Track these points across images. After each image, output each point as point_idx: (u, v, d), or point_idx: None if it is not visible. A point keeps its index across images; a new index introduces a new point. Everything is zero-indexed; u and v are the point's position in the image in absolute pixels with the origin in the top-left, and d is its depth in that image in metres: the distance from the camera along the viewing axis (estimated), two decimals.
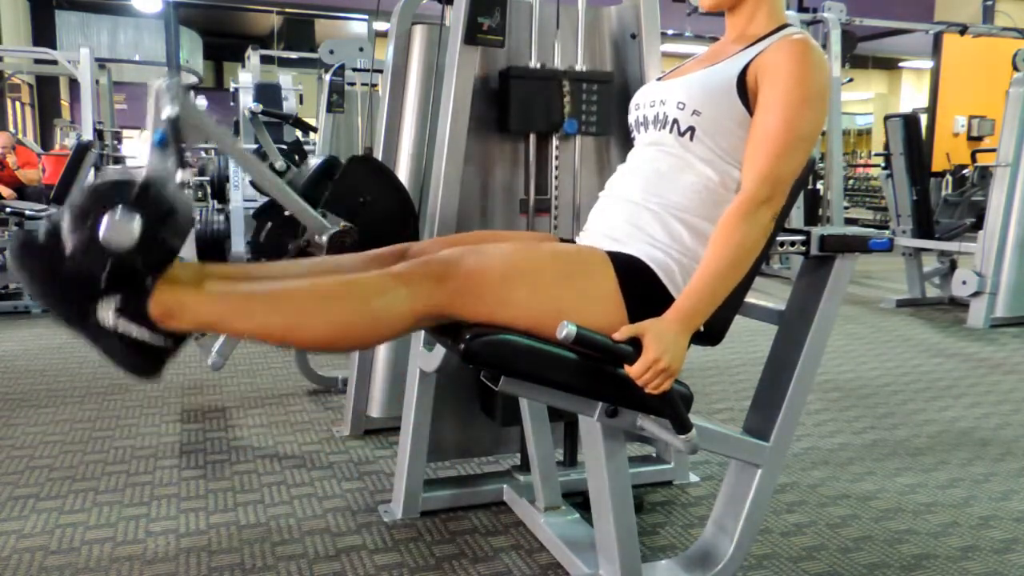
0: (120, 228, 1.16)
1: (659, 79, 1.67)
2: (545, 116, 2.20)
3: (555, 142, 2.25)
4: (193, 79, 19.16)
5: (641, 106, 1.61)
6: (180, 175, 1.66)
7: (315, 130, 5.32)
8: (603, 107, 2.24)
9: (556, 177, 2.28)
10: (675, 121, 1.49)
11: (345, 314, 1.31)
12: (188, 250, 6.44)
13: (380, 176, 2.28)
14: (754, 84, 1.44)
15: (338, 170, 2.74)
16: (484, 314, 1.35)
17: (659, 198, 1.49)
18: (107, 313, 1.24)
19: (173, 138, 1.70)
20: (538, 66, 2.21)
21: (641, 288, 1.43)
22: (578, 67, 2.25)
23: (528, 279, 1.38)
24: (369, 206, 2.25)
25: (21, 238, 1.23)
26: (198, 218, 6.21)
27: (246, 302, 1.31)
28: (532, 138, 2.24)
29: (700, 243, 1.45)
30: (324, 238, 2.32)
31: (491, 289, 1.35)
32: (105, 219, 1.16)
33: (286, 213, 2.47)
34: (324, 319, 1.31)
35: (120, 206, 1.17)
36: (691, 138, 1.47)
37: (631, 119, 1.64)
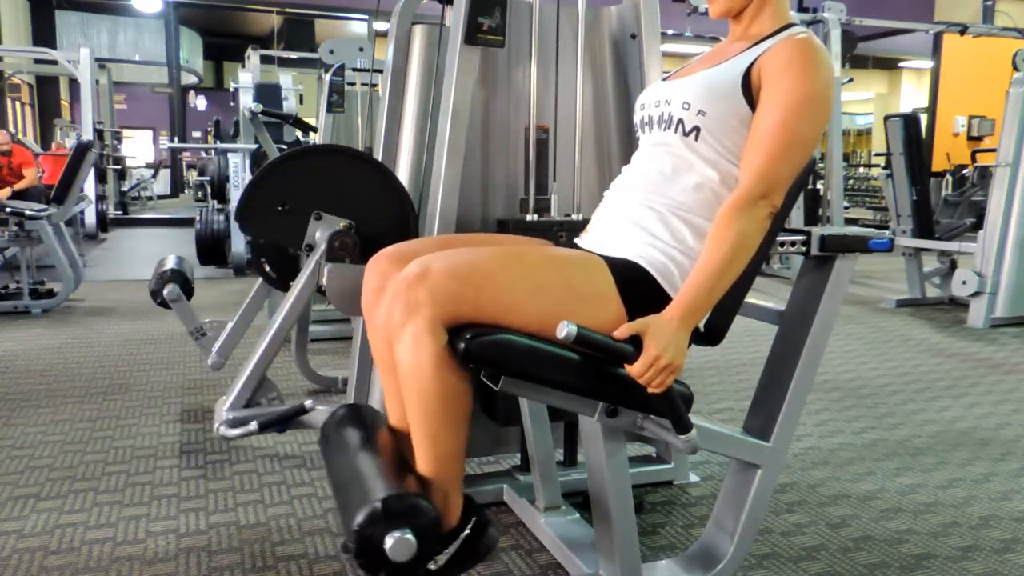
0: (400, 548, 1.25)
1: (664, 79, 1.67)
2: None
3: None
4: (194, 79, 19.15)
5: (646, 106, 1.61)
6: (312, 409, 2.14)
7: (315, 130, 5.32)
8: None
9: (555, 180, 2.28)
10: (680, 121, 1.49)
11: (438, 405, 1.35)
12: (189, 252, 6.37)
13: (277, 168, 2.32)
14: (758, 83, 1.44)
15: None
16: (487, 319, 1.35)
17: (662, 197, 1.49)
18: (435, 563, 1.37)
19: (279, 422, 2.20)
20: (534, 218, 2.21)
21: (639, 292, 1.44)
22: (574, 216, 2.24)
23: (525, 284, 1.38)
24: (299, 199, 2.29)
25: None
26: (198, 218, 6.21)
27: (430, 467, 1.39)
28: None
29: (702, 242, 1.45)
30: (323, 241, 2.32)
31: (487, 293, 1.35)
32: (388, 544, 1.24)
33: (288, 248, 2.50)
34: (444, 421, 1.36)
35: (389, 530, 1.25)
36: (696, 138, 1.48)
37: (636, 119, 1.65)
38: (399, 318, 1.34)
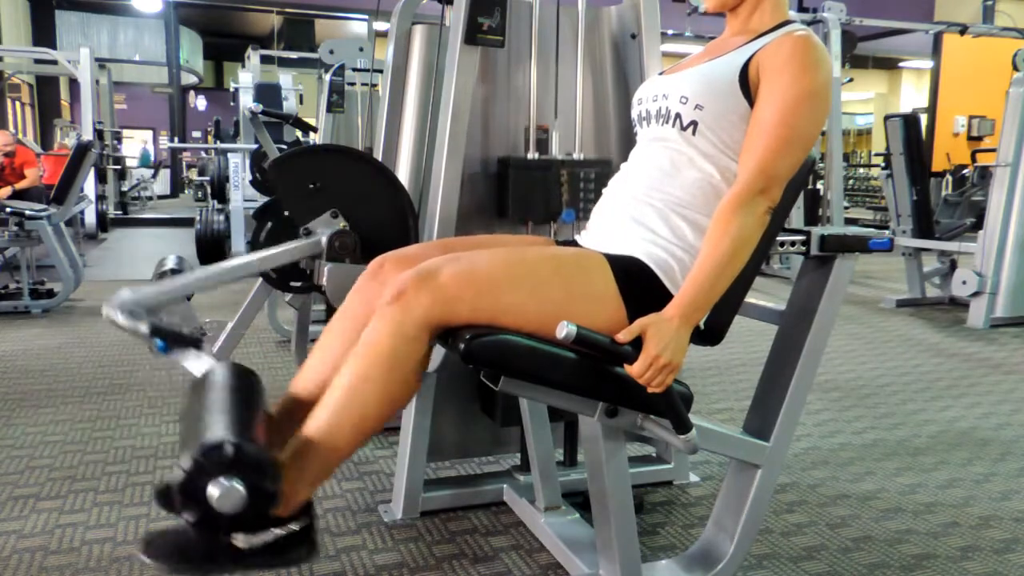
0: (227, 497, 1.18)
1: (661, 74, 1.67)
2: (543, 205, 2.18)
3: (554, 226, 2.23)
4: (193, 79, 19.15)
5: (644, 100, 1.60)
6: (202, 350, 1.70)
7: (315, 130, 5.32)
8: (601, 191, 2.22)
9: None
10: (678, 115, 1.49)
11: (382, 383, 1.34)
12: (189, 252, 6.37)
13: (320, 155, 2.26)
14: (756, 78, 1.44)
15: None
16: (484, 320, 1.35)
17: (662, 194, 1.49)
18: (245, 542, 1.27)
19: (171, 338, 1.72)
20: (535, 156, 2.20)
21: (640, 288, 1.43)
22: (576, 155, 2.24)
23: (525, 284, 1.38)
24: (327, 191, 2.22)
25: (147, 540, 1.25)
26: (198, 218, 6.21)
27: (322, 438, 1.33)
28: (530, 223, 2.23)
29: (702, 239, 1.45)
30: (324, 239, 2.32)
31: (487, 296, 1.35)
32: (213, 492, 1.18)
33: (286, 213, 2.47)
34: (374, 401, 1.34)
35: (220, 477, 1.18)
36: (693, 132, 1.47)
37: (634, 114, 1.64)
38: (394, 311, 1.33)
